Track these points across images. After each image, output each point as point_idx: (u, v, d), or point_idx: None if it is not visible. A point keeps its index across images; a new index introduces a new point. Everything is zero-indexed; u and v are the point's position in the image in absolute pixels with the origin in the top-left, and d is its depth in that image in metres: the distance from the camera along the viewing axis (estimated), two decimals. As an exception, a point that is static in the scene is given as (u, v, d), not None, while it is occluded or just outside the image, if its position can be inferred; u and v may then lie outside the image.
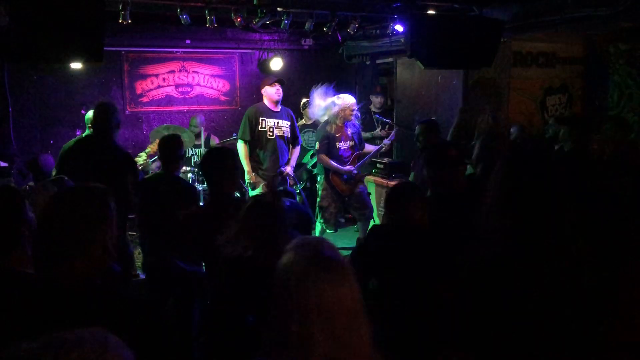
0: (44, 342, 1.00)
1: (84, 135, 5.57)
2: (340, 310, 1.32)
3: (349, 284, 1.37)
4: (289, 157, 6.19)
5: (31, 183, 5.46)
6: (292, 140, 6.22)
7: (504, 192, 1.80)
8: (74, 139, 5.50)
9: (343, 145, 6.03)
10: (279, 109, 6.06)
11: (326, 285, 1.33)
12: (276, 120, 6.01)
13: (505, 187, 1.80)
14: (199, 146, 6.95)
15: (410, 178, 5.28)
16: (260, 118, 5.93)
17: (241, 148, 5.92)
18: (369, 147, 6.42)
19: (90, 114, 5.48)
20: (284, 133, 6.05)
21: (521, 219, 1.75)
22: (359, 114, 6.24)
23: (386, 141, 6.48)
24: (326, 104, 6.03)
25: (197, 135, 6.96)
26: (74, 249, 1.73)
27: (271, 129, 5.95)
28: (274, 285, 1.39)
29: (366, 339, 1.36)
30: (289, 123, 6.14)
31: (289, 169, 6.05)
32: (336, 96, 6.08)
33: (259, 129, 5.93)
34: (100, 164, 4.12)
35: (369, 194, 6.52)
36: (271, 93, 5.98)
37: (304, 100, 7.15)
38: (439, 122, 6.39)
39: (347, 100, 5.99)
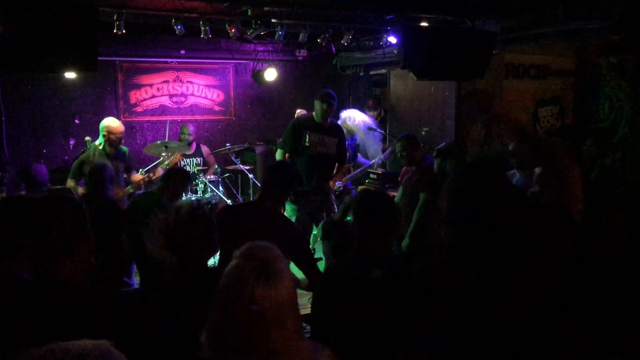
0: (47, 351, 1.01)
1: (97, 142, 5.50)
2: (269, 311, 1.43)
3: (284, 288, 1.47)
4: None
5: (23, 192, 5.44)
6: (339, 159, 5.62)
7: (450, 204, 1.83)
8: (92, 146, 5.49)
9: None
10: (327, 125, 5.44)
11: (263, 291, 1.43)
12: (322, 136, 5.41)
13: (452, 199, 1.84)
14: (189, 156, 6.94)
15: (398, 196, 5.11)
16: (306, 131, 5.36)
17: (280, 155, 5.47)
18: (361, 160, 6.45)
19: (105, 121, 5.51)
20: (328, 150, 5.44)
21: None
22: (378, 132, 6.35)
23: (377, 160, 6.53)
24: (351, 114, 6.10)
25: (189, 144, 6.96)
26: (58, 253, 1.82)
27: (314, 145, 5.37)
28: (216, 290, 1.50)
29: (290, 335, 1.46)
30: (336, 140, 5.50)
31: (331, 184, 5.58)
32: (346, 114, 6.21)
33: (303, 142, 5.35)
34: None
35: None
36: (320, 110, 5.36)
37: (298, 110, 7.18)
38: (432, 133, 6.46)
39: (358, 122, 6.14)
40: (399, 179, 5.41)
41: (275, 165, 4.06)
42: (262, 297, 1.42)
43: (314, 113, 5.40)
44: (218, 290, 1.49)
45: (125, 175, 5.68)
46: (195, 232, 2.31)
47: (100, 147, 5.43)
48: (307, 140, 5.32)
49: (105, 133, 5.41)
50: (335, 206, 5.42)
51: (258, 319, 1.41)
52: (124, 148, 5.77)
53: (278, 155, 5.47)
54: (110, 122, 5.49)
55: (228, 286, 1.47)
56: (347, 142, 6.16)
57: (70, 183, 5.30)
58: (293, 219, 5.03)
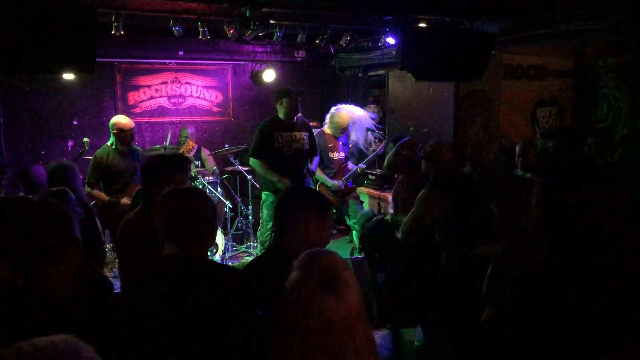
0: (15, 349, 1.01)
1: (109, 143, 5.43)
2: (339, 324, 1.35)
3: (350, 297, 1.40)
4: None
5: (21, 194, 5.43)
6: (311, 153, 5.61)
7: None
8: (105, 148, 5.44)
9: (335, 155, 6.13)
10: (294, 121, 5.44)
11: (330, 303, 1.36)
12: (293, 134, 5.39)
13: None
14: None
15: (387, 218, 4.70)
16: (276, 133, 5.32)
17: (257, 164, 5.35)
18: (352, 166, 6.46)
19: (113, 119, 5.47)
20: (302, 146, 5.42)
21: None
22: (373, 124, 6.39)
23: (377, 152, 6.54)
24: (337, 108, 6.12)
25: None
26: (48, 258, 1.80)
27: (288, 144, 5.34)
28: (281, 304, 1.42)
29: (361, 345, 1.38)
30: (307, 134, 5.52)
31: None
32: (334, 108, 6.20)
33: (275, 145, 5.30)
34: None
35: (362, 202, 6.58)
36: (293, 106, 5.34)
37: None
38: (431, 134, 6.47)
39: (342, 117, 6.11)
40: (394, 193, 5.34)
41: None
42: (330, 310, 1.35)
43: (279, 113, 5.39)
44: (282, 306, 1.41)
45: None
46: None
47: (113, 147, 5.36)
48: (279, 141, 5.27)
49: (115, 131, 5.33)
50: None
51: (329, 334, 1.34)
52: (137, 148, 5.74)
53: (253, 164, 5.37)
54: (119, 119, 5.45)
55: (294, 302, 1.39)
56: (342, 141, 6.22)
57: (87, 189, 5.21)
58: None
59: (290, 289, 1.41)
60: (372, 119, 6.70)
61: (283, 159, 5.27)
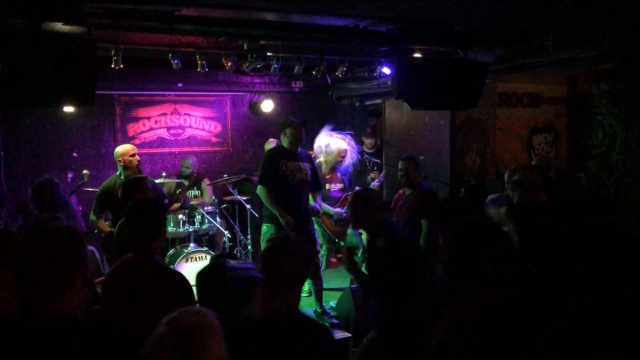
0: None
1: (117, 173, 5.40)
2: None
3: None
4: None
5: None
6: (314, 187, 5.51)
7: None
8: (114, 177, 5.41)
9: (333, 187, 6.15)
10: (298, 152, 5.39)
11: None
12: (297, 163, 5.32)
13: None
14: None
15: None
16: (282, 161, 5.25)
17: (263, 193, 5.21)
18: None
19: (118, 147, 5.48)
20: (306, 177, 5.33)
21: None
22: (358, 155, 6.35)
23: (375, 183, 6.58)
24: (324, 141, 6.10)
25: (188, 177, 7.00)
26: (54, 287, 1.78)
27: (292, 173, 5.25)
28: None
29: None
30: (310, 166, 5.46)
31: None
32: (327, 135, 6.20)
33: (280, 172, 5.22)
34: None
35: (361, 233, 6.54)
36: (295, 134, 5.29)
37: (270, 140, 7.28)
38: (428, 161, 6.52)
39: (339, 145, 6.10)
40: (392, 207, 5.42)
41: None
42: None
43: (283, 143, 5.33)
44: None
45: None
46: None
47: (121, 177, 5.28)
48: (284, 169, 5.19)
49: (120, 158, 5.31)
50: (315, 233, 5.40)
51: None
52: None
53: (260, 191, 5.23)
54: (121, 147, 5.46)
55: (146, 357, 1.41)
56: (341, 171, 6.23)
57: (92, 218, 5.19)
58: None
59: (149, 343, 1.43)
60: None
61: (287, 188, 5.18)
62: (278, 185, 5.16)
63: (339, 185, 6.19)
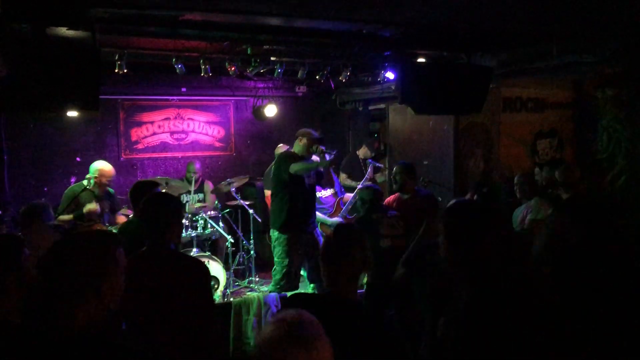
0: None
1: (84, 182, 5.57)
2: None
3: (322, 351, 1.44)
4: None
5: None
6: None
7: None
8: (80, 185, 5.59)
9: (324, 193, 6.12)
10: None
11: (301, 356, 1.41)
12: None
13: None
14: (195, 191, 6.97)
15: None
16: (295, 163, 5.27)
17: (298, 164, 5.26)
18: (349, 195, 6.42)
19: (97, 164, 5.61)
20: (313, 183, 5.47)
21: None
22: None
23: (366, 177, 6.58)
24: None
25: (194, 182, 6.99)
26: (76, 297, 1.72)
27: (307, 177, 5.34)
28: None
29: None
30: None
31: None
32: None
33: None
34: None
35: None
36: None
37: (280, 145, 7.26)
38: (431, 166, 6.49)
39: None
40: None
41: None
42: None
43: (295, 149, 5.40)
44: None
45: (109, 216, 5.67)
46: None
47: (89, 188, 5.51)
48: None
49: (97, 176, 5.51)
50: (320, 238, 5.38)
51: None
52: (111, 190, 5.81)
53: (294, 167, 5.18)
54: (103, 166, 5.60)
55: (265, 355, 1.43)
56: (333, 176, 6.29)
57: (60, 218, 5.31)
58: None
59: (262, 340, 1.45)
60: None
61: (304, 189, 5.24)
62: (298, 185, 5.21)
63: (330, 191, 6.24)
